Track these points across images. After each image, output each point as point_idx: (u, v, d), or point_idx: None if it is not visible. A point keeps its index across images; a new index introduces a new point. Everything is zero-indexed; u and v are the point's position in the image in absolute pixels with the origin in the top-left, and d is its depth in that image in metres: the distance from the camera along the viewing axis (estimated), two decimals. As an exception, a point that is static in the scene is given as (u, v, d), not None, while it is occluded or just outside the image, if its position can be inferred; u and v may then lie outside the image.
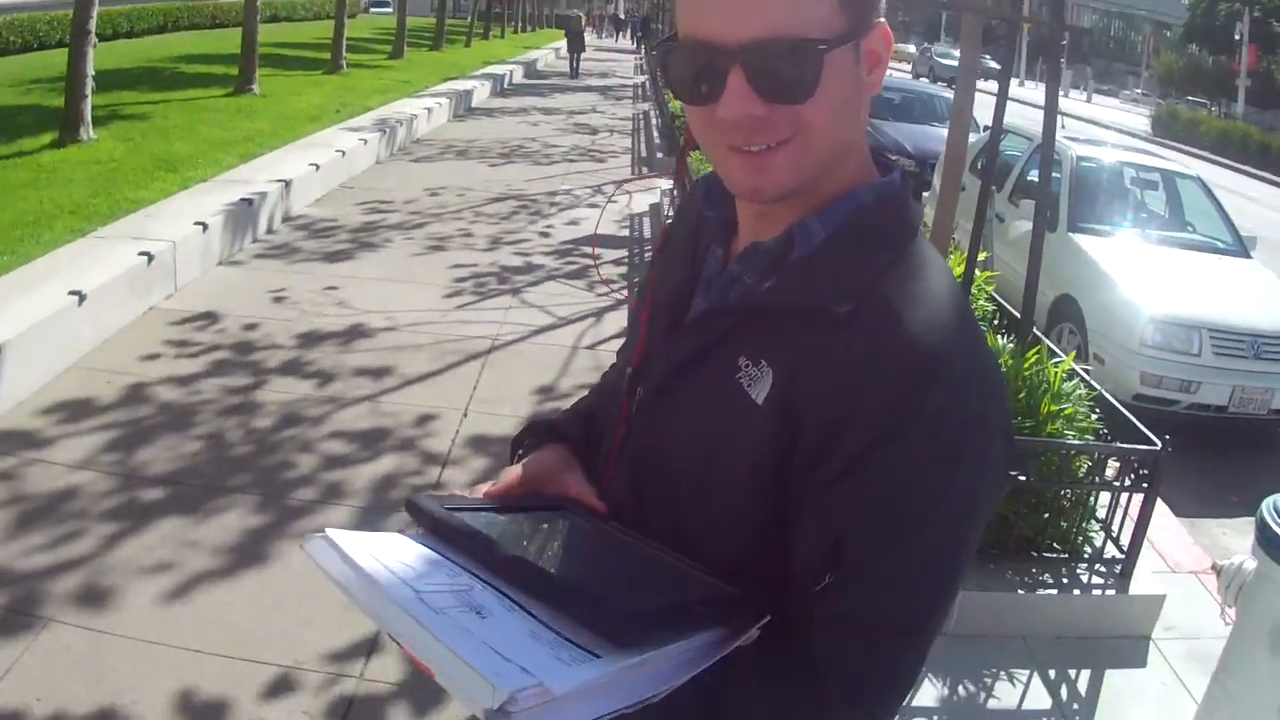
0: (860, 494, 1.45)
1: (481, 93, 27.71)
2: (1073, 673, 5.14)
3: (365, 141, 16.28)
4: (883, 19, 1.53)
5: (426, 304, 9.73)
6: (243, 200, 11.21)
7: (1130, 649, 5.39)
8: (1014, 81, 6.91)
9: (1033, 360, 5.98)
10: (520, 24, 70.17)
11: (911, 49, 77.25)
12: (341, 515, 5.78)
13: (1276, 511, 4.06)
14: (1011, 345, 6.29)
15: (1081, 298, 9.51)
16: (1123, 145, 13.44)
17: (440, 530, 1.56)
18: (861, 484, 1.45)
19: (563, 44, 44.76)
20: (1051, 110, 6.30)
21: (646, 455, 1.73)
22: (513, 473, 1.87)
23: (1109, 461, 5.66)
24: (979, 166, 11.80)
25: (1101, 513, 5.79)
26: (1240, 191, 25.80)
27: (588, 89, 33.79)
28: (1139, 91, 69.62)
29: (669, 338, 1.74)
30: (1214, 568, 4.47)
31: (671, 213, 12.69)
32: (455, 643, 1.23)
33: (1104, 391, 6.15)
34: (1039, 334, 6.72)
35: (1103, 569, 5.60)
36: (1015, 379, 5.79)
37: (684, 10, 1.51)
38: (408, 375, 7.94)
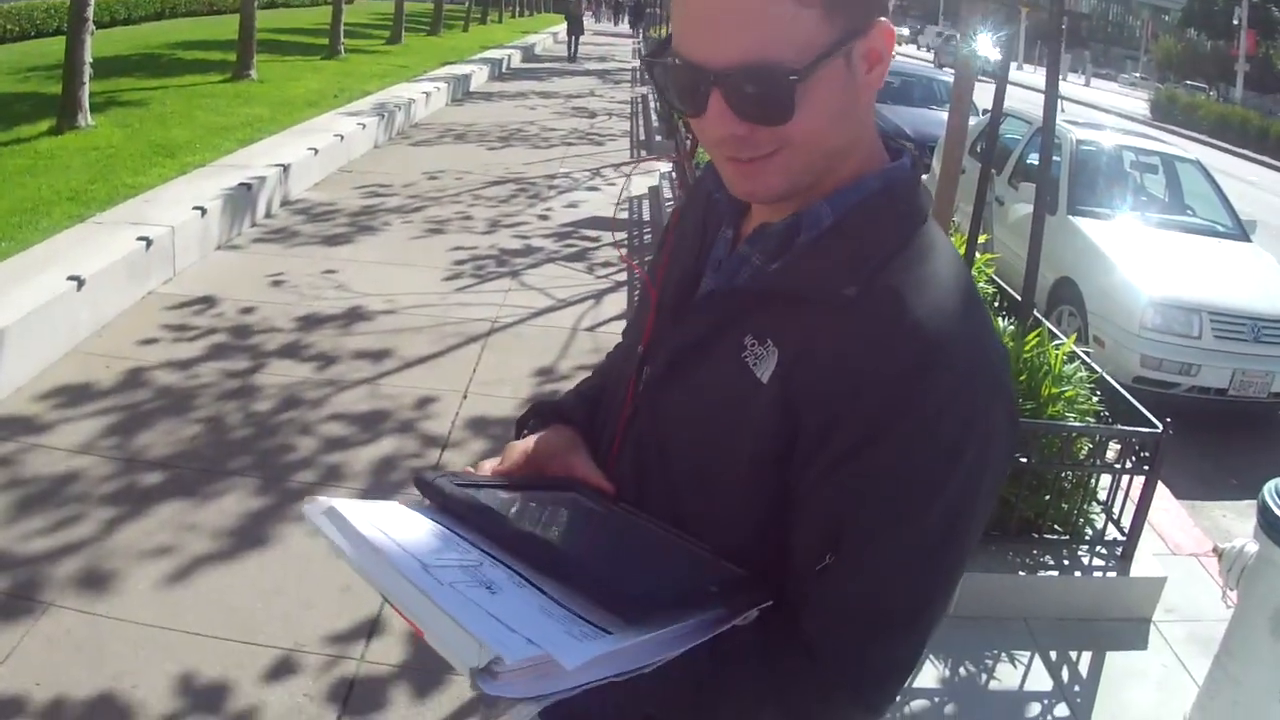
0: (860, 480, 1.46)
1: (479, 77, 27.67)
2: (1074, 654, 5.14)
3: (363, 126, 16.24)
4: (884, 18, 1.51)
5: (426, 287, 9.71)
6: (241, 185, 11.18)
7: (1131, 631, 5.39)
8: (1013, 65, 6.90)
9: (1033, 343, 5.97)
10: (518, 9, 70.12)
11: (923, 33, 77.26)
12: (341, 497, 5.75)
13: (1278, 495, 4.06)
14: (1012, 327, 6.28)
15: (1081, 280, 9.50)
16: (1122, 129, 13.42)
17: (450, 507, 1.57)
18: (862, 470, 1.45)
19: (560, 28, 44.66)
20: (1052, 94, 6.29)
21: (651, 435, 1.73)
22: (519, 449, 1.89)
23: (1110, 444, 5.66)
24: (978, 150, 11.80)
25: (1102, 495, 5.79)
26: (1239, 176, 25.79)
27: (586, 73, 33.74)
28: (1137, 76, 69.61)
29: (677, 317, 1.74)
30: (1215, 551, 4.47)
31: (671, 196, 12.70)
32: (456, 610, 1.23)
33: (1105, 374, 6.14)
34: (1039, 316, 6.71)
35: (1104, 551, 5.60)
36: (1016, 361, 5.78)
37: (674, 25, 1.52)
38: (407, 358, 7.94)
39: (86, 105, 13.91)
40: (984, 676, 4.91)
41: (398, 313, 8.89)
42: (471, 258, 10.87)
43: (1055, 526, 5.65)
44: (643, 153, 18.03)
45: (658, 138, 18.99)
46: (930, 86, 20.86)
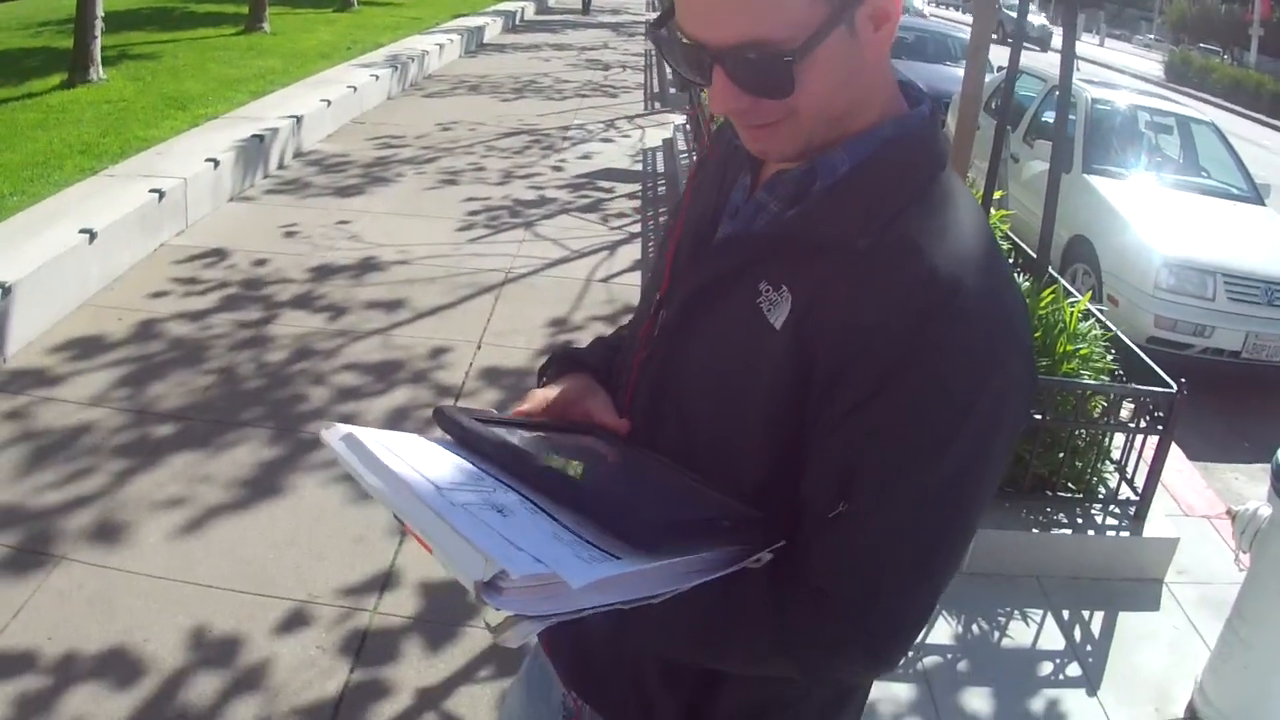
0: (872, 427, 1.46)
1: (493, 29, 27.53)
2: (1086, 613, 5.15)
3: (376, 78, 16.16)
4: None
5: (439, 237, 9.70)
6: (254, 137, 11.15)
7: (1143, 591, 5.39)
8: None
9: (1048, 300, 5.95)
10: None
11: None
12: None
13: (1292, 458, 4.06)
14: (1027, 284, 6.26)
15: (1096, 239, 9.46)
16: (1137, 90, 13.37)
17: (468, 440, 1.59)
18: (873, 417, 1.45)
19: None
20: (1069, 52, 6.25)
21: (666, 378, 1.74)
22: (539, 395, 1.90)
23: (1124, 403, 5.65)
24: (993, 107, 11.75)
25: (1116, 454, 5.78)
26: (1253, 139, 25.63)
27: (599, 25, 33.54)
28: (1151, 37, 69.18)
29: (693, 262, 1.74)
30: (1229, 513, 4.46)
31: (685, 148, 12.68)
32: (464, 526, 1.25)
33: (1119, 333, 6.12)
34: (1054, 274, 6.69)
35: (1116, 510, 5.60)
36: (1031, 318, 5.75)
37: (676, 2, 1.53)
38: (420, 308, 7.93)
39: (98, 59, 13.87)
40: (996, 634, 4.91)
41: (411, 263, 8.88)
42: (485, 209, 10.83)
43: (1069, 485, 5.64)
44: (656, 104, 17.95)
45: (672, 90, 18.91)
46: (945, 42, 20.78)
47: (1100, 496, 5.66)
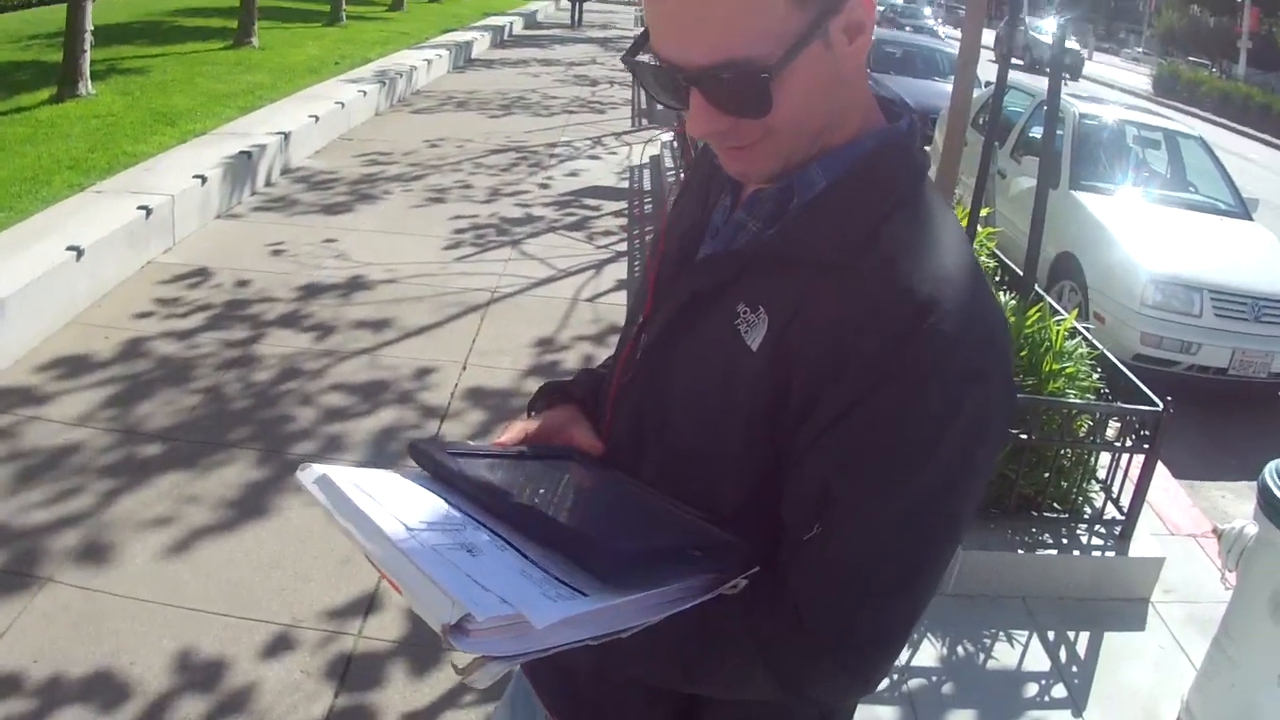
0: (848, 444, 1.46)
1: (481, 44, 27.57)
2: (1071, 634, 5.15)
3: (365, 93, 16.17)
4: None
5: (426, 256, 9.69)
6: (241, 153, 11.14)
7: (1129, 611, 5.40)
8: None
9: (1034, 318, 5.96)
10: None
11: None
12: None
13: (1279, 476, 4.06)
14: (1013, 302, 6.26)
15: (1082, 255, 9.48)
16: (1125, 104, 13.40)
17: (442, 474, 1.60)
18: (850, 434, 1.45)
19: (563, -6, 44.45)
20: (1057, 67, 6.27)
21: (646, 400, 1.75)
22: (519, 425, 1.91)
23: (1110, 421, 5.66)
24: (981, 123, 11.77)
25: (1101, 473, 5.79)
26: (1241, 153, 25.70)
27: (588, 40, 33.58)
28: (1140, 51, 69.31)
29: (673, 283, 1.75)
30: (1215, 532, 4.47)
31: (672, 165, 12.69)
32: (432, 568, 1.26)
33: (1105, 351, 6.13)
34: (1040, 291, 6.70)
35: (1102, 530, 5.60)
36: (1017, 337, 5.77)
37: (648, 23, 1.53)
38: (407, 328, 7.93)
39: (87, 73, 13.83)
40: (981, 655, 4.91)
41: (398, 282, 8.88)
42: (472, 226, 10.84)
43: (1054, 504, 5.65)
44: (643, 120, 17.97)
45: (659, 106, 18.90)
46: (933, 58, 20.86)
47: (1086, 516, 5.66)
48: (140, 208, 8.70)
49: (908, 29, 32.73)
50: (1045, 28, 41.18)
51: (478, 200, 11.94)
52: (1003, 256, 7.87)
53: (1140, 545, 5.56)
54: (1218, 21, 55.77)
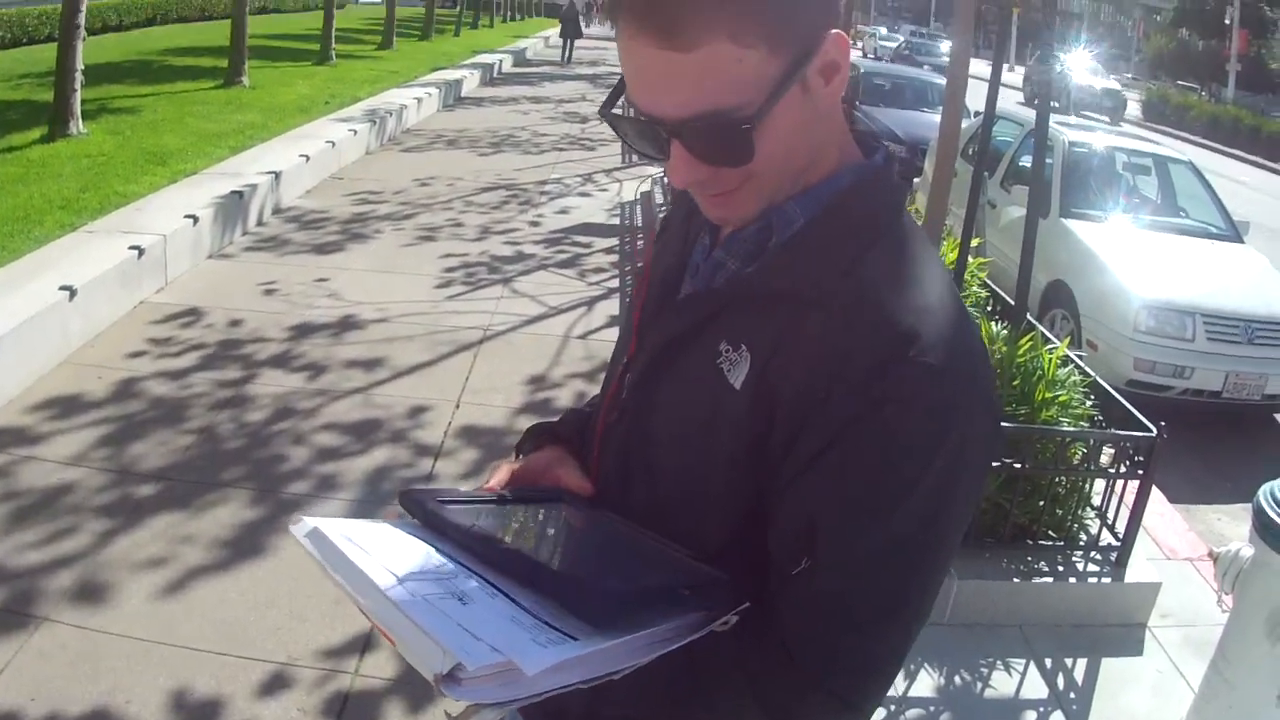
0: (832, 478, 1.46)
1: (471, 82, 27.67)
2: (1069, 661, 5.14)
3: (355, 132, 16.23)
4: (835, 29, 1.49)
5: (417, 294, 9.70)
6: (233, 193, 11.17)
7: (1126, 637, 5.39)
8: (1004, 66, 6.90)
9: (1026, 347, 5.96)
10: (508, 13, 69.98)
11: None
12: (334, 508, 5.76)
13: (1274, 499, 4.07)
14: (1005, 332, 6.27)
15: (1074, 283, 9.49)
16: (1115, 130, 13.44)
17: (432, 523, 1.60)
18: (833, 468, 1.45)
19: (552, 32, 44.58)
20: (1045, 95, 6.29)
21: (632, 438, 1.75)
22: (505, 468, 1.90)
23: (1104, 448, 5.66)
24: (970, 153, 11.79)
25: (1096, 500, 5.78)
26: (1231, 176, 25.77)
27: (578, 77, 33.74)
28: (1129, 76, 69.58)
29: (655, 322, 1.75)
30: (1211, 555, 4.47)
31: (663, 200, 12.71)
32: (423, 618, 1.28)
33: (1098, 378, 6.13)
34: (1032, 320, 6.70)
35: (1098, 556, 5.60)
36: (1009, 366, 5.77)
37: (625, 77, 1.53)
38: (399, 367, 7.93)
39: (78, 112, 13.89)
40: (979, 684, 4.90)
41: (390, 321, 8.88)
42: (463, 265, 10.87)
43: (1049, 532, 5.64)
44: (632, 157, 18.03)
45: (634, 158, 19.01)
46: (922, 89, 20.95)
47: (1081, 543, 5.66)
48: (132, 247, 8.71)
49: (926, 67, 32.74)
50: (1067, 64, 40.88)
51: (469, 238, 11.97)
52: (994, 286, 7.87)
53: (1136, 570, 5.56)
54: (1206, 45, 56.05)
